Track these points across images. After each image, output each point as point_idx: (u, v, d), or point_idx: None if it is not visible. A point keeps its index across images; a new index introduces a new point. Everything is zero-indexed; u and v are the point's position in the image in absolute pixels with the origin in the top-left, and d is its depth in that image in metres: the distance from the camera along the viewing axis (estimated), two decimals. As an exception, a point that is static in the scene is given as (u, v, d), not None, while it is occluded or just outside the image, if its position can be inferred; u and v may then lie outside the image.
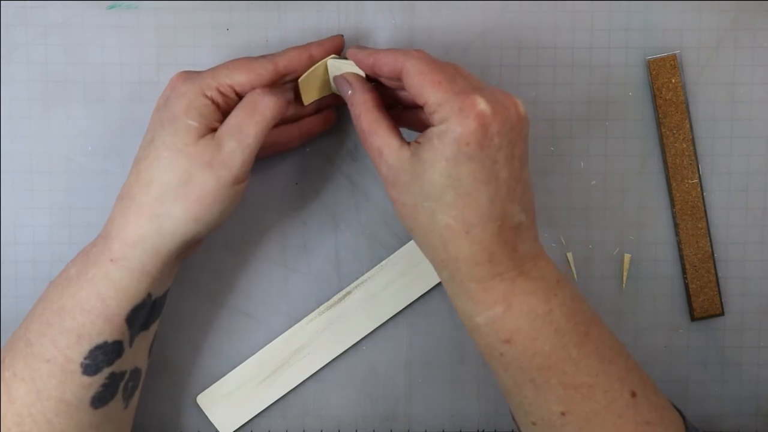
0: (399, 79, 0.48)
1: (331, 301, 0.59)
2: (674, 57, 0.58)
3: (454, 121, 0.44)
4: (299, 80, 0.53)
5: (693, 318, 0.60)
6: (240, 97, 0.50)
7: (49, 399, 0.48)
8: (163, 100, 0.50)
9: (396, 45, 0.58)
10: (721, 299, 0.59)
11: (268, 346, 0.59)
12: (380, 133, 0.48)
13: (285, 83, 0.53)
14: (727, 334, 0.60)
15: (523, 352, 0.46)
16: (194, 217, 0.49)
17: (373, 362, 0.60)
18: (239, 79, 0.50)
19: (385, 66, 0.48)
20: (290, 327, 0.59)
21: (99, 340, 0.48)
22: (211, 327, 0.59)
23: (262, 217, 0.59)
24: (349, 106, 0.50)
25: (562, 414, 0.47)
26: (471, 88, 0.45)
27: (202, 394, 0.59)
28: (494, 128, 0.44)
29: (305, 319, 0.59)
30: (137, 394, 0.53)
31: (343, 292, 0.59)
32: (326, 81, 0.54)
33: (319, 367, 0.59)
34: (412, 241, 0.59)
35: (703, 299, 0.59)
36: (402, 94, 0.52)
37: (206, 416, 0.59)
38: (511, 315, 0.46)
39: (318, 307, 0.59)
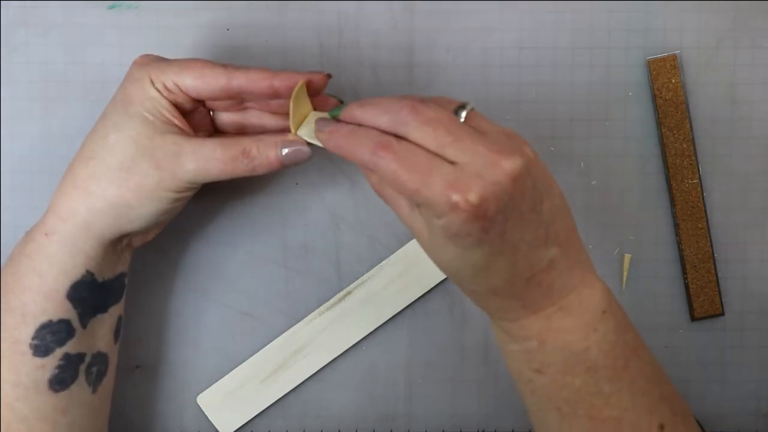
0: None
1: (331, 301, 0.59)
2: (674, 57, 0.58)
3: (449, 218, 0.42)
4: (291, 124, 0.50)
5: (693, 318, 0.60)
6: (188, 96, 0.49)
7: (6, 383, 0.48)
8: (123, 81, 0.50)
9: (396, 47, 0.58)
10: (721, 299, 0.59)
11: (268, 346, 0.59)
12: (387, 196, 0.47)
13: (242, 101, 0.52)
14: (727, 334, 0.60)
15: (552, 384, 0.46)
16: (126, 205, 0.48)
17: (373, 362, 0.60)
18: (185, 81, 0.49)
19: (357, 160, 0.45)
20: (290, 327, 0.59)
21: (43, 319, 0.48)
22: (211, 327, 0.59)
23: (263, 217, 0.59)
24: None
25: None
26: (452, 179, 0.41)
27: (202, 394, 0.59)
28: (492, 209, 0.41)
29: (305, 319, 0.59)
30: (107, 380, 0.53)
31: (343, 292, 0.59)
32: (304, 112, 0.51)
33: (319, 367, 0.59)
34: (412, 241, 0.59)
35: (703, 299, 0.59)
36: None
37: (206, 416, 0.59)
38: (544, 350, 0.45)
39: (318, 307, 0.59)
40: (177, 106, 0.50)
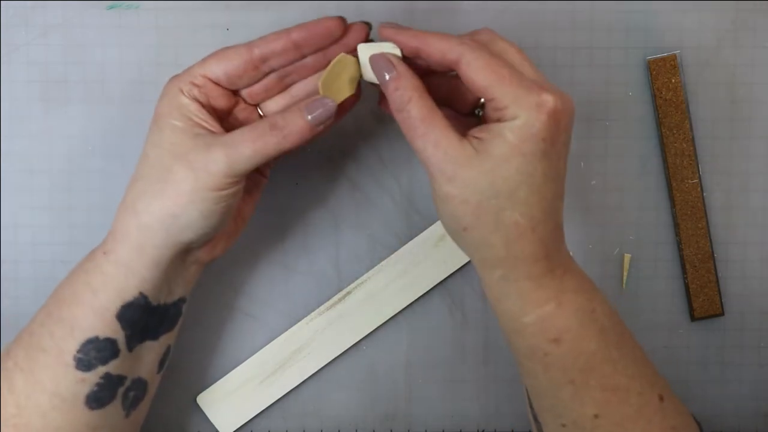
0: (450, 68, 0.46)
1: (331, 301, 0.59)
2: (674, 57, 0.58)
3: (531, 117, 0.44)
4: (320, 82, 0.49)
5: (693, 318, 0.60)
6: (222, 87, 0.49)
7: (44, 392, 0.48)
8: None
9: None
10: (721, 299, 0.59)
11: (268, 346, 0.59)
12: (437, 123, 0.45)
13: (267, 72, 0.50)
14: (727, 334, 0.60)
15: (570, 352, 0.46)
16: (170, 214, 0.47)
17: (373, 362, 0.60)
18: (212, 69, 0.48)
19: (436, 53, 0.46)
20: (290, 327, 0.59)
21: (90, 334, 0.48)
22: (211, 327, 0.59)
23: (262, 217, 0.59)
24: (391, 91, 0.47)
25: (595, 416, 0.47)
26: (539, 83, 0.45)
27: (202, 394, 0.59)
28: (563, 123, 0.45)
29: (305, 319, 0.59)
30: (142, 407, 0.52)
31: (343, 292, 0.59)
32: (345, 80, 0.50)
33: (319, 367, 0.59)
34: (412, 241, 0.59)
35: (703, 299, 0.59)
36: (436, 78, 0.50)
37: (206, 416, 0.59)
38: (561, 313, 0.46)
39: (318, 307, 0.59)
40: (212, 107, 0.49)
